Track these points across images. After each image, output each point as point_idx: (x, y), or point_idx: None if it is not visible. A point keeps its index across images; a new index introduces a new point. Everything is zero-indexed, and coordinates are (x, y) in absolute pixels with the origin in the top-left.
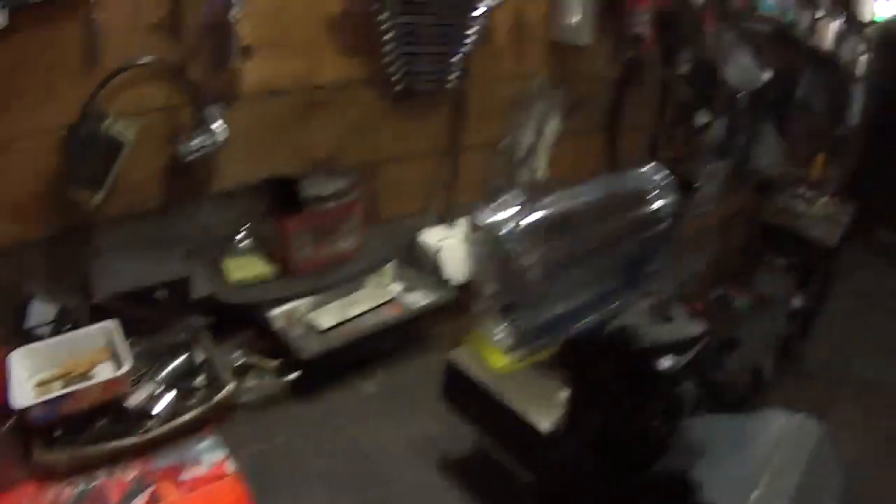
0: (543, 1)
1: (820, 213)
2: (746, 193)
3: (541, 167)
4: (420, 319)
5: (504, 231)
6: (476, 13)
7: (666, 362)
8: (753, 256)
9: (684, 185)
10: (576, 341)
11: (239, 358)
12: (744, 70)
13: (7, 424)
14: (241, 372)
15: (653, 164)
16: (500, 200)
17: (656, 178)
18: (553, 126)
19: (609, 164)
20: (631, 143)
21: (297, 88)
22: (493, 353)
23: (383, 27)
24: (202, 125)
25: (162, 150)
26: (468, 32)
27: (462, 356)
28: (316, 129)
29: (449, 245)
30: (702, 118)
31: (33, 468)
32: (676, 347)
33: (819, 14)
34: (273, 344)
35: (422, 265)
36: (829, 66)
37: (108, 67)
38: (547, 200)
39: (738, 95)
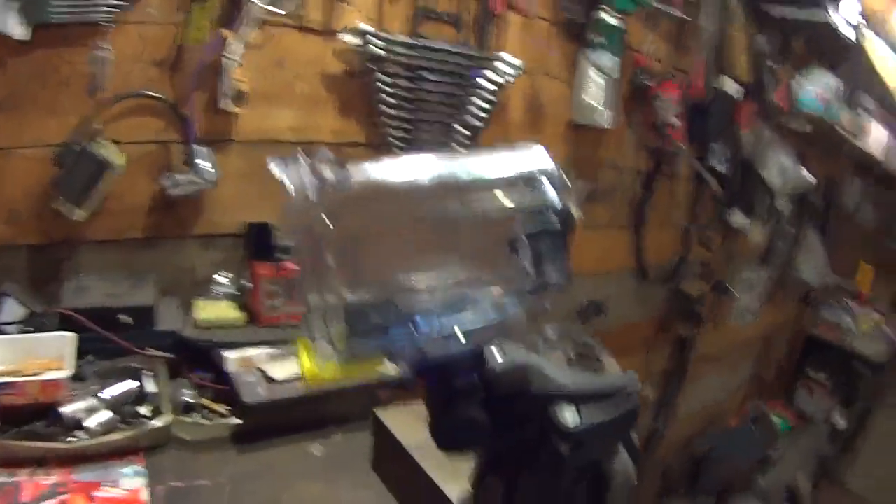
0: (565, 80)
1: (868, 329)
2: (789, 305)
3: None
4: (381, 384)
5: (319, 192)
6: (482, 84)
7: (567, 414)
8: (795, 372)
9: (720, 289)
10: (437, 365)
11: (189, 395)
12: (784, 171)
13: None
14: (186, 409)
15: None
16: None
17: (544, 165)
18: None
19: (636, 261)
20: (660, 239)
21: (291, 141)
22: (309, 360)
23: (382, 91)
24: (191, 164)
25: (150, 183)
26: (474, 102)
27: (390, 414)
28: None
29: None
30: (737, 219)
31: None
32: (587, 400)
33: (864, 115)
34: (226, 389)
35: None
36: (878, 173)
37: (109, 93)
38: (380, 165)
39: (780, 199)
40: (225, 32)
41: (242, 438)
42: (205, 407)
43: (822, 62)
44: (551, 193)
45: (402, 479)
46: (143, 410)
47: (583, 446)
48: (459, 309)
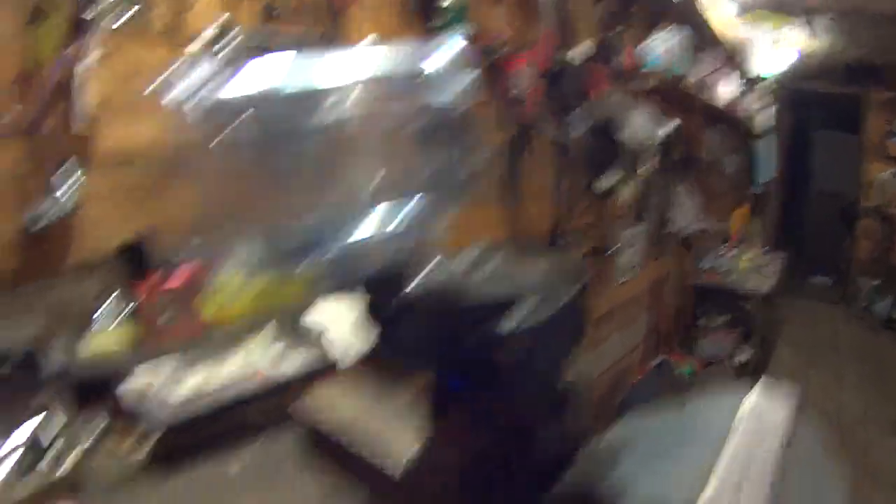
0: None
1: (748, 266)
2: (671, 257)
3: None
4: (292, 390)
5: (197, 102)
6: None
7: (506, 323)
8: (691, 320)
9: (601, 249)
10: (373, 285)
11: (93, 432)
12: (640, 129)
13: None
14: (94, 448)
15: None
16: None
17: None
18: None
19: (513, 235)
20: (534, 210)
21: (152, 153)
22: (229, 295)
23: None
24: (52, 190)
25: (10, 217)
26: None
27: (312, 401)
28: (175, 196)
29: (337, 322)
30: (604, 182)
31: None
32: (525, 300)
33: (708, 71)
34: (129, 419)
35: (307, 343)
36: (729, 123)
37: None
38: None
39: (641, 156)
40: (75, 46)
41: (161, 465)
42: (112, 441)
43: (663, 24)
44: (448, 88)
45: (338, 462)
46: (49, 456)
47: (535, 350)
48: (383, 219)
